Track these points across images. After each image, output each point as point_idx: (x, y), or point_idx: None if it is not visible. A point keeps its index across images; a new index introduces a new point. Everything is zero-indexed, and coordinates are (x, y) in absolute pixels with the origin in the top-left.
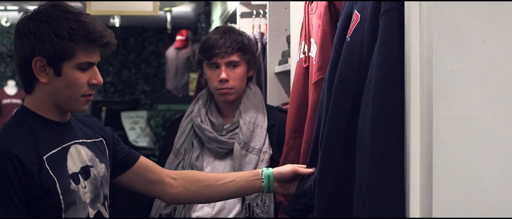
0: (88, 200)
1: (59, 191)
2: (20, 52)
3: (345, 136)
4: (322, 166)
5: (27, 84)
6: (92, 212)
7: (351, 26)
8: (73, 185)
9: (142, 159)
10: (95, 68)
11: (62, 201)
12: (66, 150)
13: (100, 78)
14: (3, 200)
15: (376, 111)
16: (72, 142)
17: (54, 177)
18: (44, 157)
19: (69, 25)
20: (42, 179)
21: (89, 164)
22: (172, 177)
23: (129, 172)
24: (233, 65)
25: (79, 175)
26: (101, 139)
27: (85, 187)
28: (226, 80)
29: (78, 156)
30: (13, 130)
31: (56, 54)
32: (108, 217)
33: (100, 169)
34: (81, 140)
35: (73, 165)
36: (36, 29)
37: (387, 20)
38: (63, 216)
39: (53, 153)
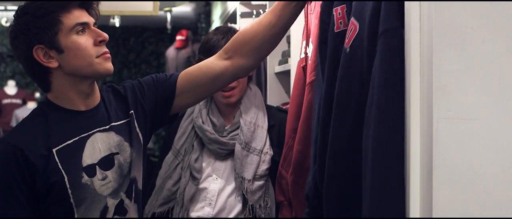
0: (107, 192)
1: (68, 185)
2: (22, 55)
3: (349, 149)
4: (328, 178)
5: (43, 82)
6: (113, 202)
7: (350, 35)
8: (85, 178)
9: (184, 74)
10: (94, 27)
11: (70, 195)
12: (84, 139)
13: (105, 34)
14: (5, 194)
15: (379, 136)
16: (94, 130)
17: (63, 171)
18: (54, 150)
19: (42, 3)
20: (48, 173)
21: (114, 151)
22: (225, 58)
23: (178, 94)
24: None
25: (97, 166)
26: (132, 111)
27: (104, 178)
28: None
29: (101, 144)
30: (28, 122)
31: (46, 32)
32: (132, 203)
33: (127, 155)
34: (108, 125)
35: (90, 156)
36: (19, 25)
37: (385, 41)
38: (75, 211)
39: (67, 144)
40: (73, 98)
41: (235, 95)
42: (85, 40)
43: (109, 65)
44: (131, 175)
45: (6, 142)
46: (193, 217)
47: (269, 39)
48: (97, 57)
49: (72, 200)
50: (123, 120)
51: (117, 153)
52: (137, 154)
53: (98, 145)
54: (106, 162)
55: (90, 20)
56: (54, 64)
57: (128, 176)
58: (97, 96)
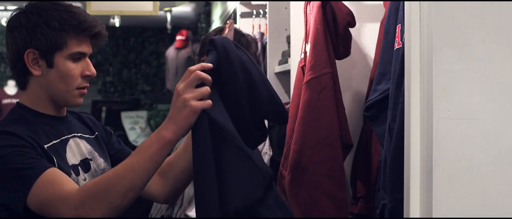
0: None
1: None
2: (12, 46)
3: None
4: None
5: (20, 80)
6: None
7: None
8: (73, 176)
9: None
10: (88, 60)
11: None
12: (65, 142)
13: (93, 70)
14: (24, 157)
15: None
16: (71, 135)
17: (57, 166)
18: (46, 146)
19: (60, 16)
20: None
21: (88, 157)
22: (159, 172)
23: None
24: None
25: (79, 167)
26: (96, 134)
27: (85, 180)
28: None
29: (77, 148)
30: (11, 123)
31: (47, 44)
32: None
33: (99, 162)
34: (79, 134)
35: (72, 157)
36: (27, 21)
37: None
38: None
39: (53, 143)
40: (46, 104)
41: None
42: (74, 68)
43: (81, 101)
44: None
45: (4, 131)
46: (193, 217)
47: (183, 172)
48: (77, 89)
49: None
50: (90, 135)
51: (91, 159)
52: (109, 167)
53: (75, 148)
54: (84, 165)
55: (89, 51)
56: (37, 72)
57: None
58: (65, 108)
